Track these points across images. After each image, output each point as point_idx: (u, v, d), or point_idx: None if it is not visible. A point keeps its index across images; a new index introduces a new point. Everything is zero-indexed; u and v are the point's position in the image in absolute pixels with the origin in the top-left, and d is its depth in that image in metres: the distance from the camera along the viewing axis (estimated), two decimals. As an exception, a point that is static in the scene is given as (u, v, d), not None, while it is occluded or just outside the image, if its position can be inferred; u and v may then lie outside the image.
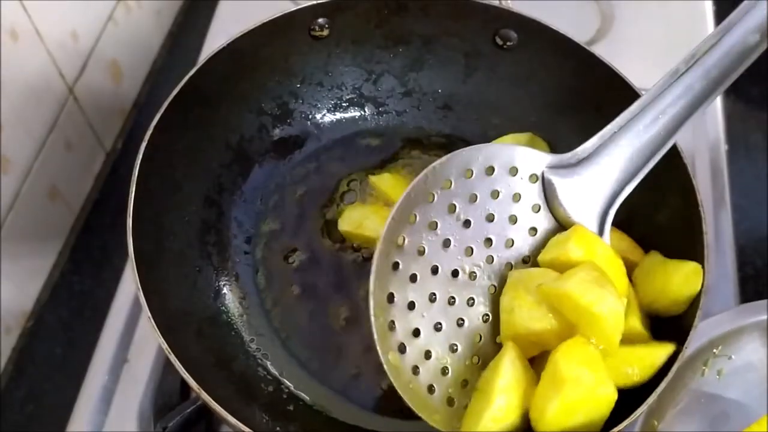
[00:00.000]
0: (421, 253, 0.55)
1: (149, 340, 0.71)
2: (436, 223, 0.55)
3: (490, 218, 0.56)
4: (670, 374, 0.51)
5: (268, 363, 0.63)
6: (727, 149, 0.87)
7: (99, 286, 0.78)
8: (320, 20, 0.68)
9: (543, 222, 0.58)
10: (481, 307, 0.56)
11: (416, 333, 0.54)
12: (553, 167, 0.57)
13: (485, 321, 0.56)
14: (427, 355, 0.54)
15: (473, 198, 0.56)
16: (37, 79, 0.73)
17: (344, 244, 0.68)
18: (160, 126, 0.60)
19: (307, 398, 0.62)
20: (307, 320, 0.65)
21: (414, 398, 0.52)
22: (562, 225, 0.58)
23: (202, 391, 0.51)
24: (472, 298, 0.56)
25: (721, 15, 0.97)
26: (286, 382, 0.63)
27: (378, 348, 0.51)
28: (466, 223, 0.56)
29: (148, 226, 0.59)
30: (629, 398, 0.52)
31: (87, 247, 0.81)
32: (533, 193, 0.57)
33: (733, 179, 0.84)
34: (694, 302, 0.55)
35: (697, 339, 0.63)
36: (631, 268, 0.58)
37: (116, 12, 0.87)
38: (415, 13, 0.69)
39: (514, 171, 0.56)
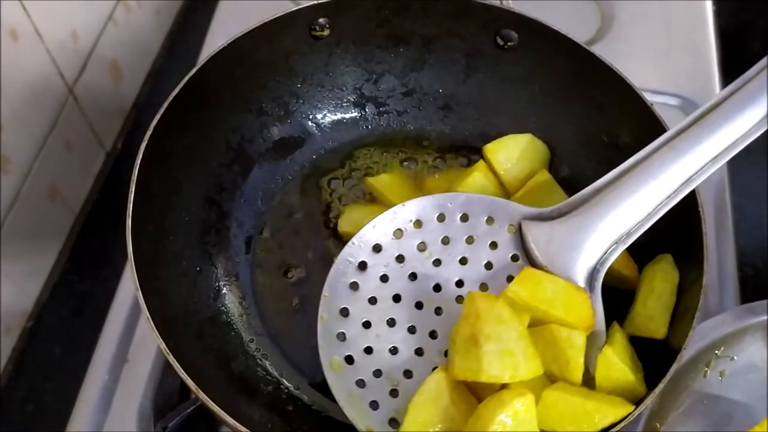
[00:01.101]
0: (384, 280, 0.57)
1: (149, 340, 0.71)
2: (403, 257, 0.57)
3: (463, 261, 0.57)
4: (668, 375, 0.51)
5: (268, 363, 0.63)
6: (727, 149, 0.86)
7: (99, 286, 0.78)
8: (321, 20, 0.68)
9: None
10: (444, 342, 0.56)
11: (368, 350, 0.56)
12: (532, 219, 0.56)
13: (446, 356, 0.56)
14: (377, 373, 0.55)
15: (446, 240, 0.57)
16: (37, 79, 0.73)
17: (344, 245, 0.68)
18: (160, 126, 0.60)
19: (306, 398, 0.62)
20: (308, 320, 0.65)
21: (351, 406, 0.54)
22: None
23: (200, 392, 0.50)
24: (435, 332, 0.57)
25: (721, 15, 0.97)
26: (286, 382, 0.62)
27: (319, 349, 0.55)
28: (437, 262, 0.57)
29: (148, 226, 0.59)
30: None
31: (87, 247, 0.81)
32: (510, 243, 0.57)
33: (733, 179, 0.84)
34: (693, 303, 0.55)
35: (698, 340, 0.63)
36: (624, 282, 0.58)
37: (116, 12, 0.87)
38: (416, 13, 0.69)
39: (490, 221, 0.57)
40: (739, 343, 0.65)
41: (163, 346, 0.52)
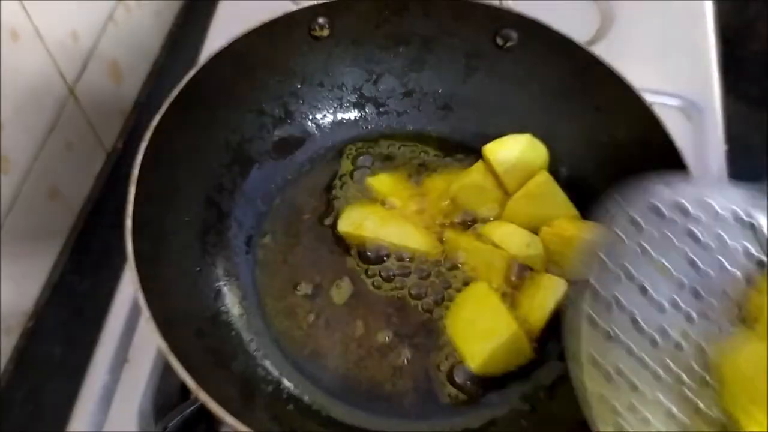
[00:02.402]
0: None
1: (149, 339, 0.71)
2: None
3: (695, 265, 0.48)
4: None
5: (268, 363, 0.63)
6: (727, 149, 0.87)
7: (99, 286, 0.78)
8: (320, 20, 0.68)
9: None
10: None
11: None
12: None
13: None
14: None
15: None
16: (37, 79, 0.73)
17: (345, 245, 0.68)
18: (160, 126, 0.60)
19: (307, 398, 0.62)
20: (308, 320, 0.65)
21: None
22: None
23: (201, 392, 0.51)
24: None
25: (721, 15, 0.97)
26: (286, 382, 0.63)
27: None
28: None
29: (148, 226, 0.59)
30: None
31: (87, 247, 0.81)
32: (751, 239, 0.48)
33: (733, 179, 0.84)
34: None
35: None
36: None
37: (116, 12, 0.87)
38: (416, 13, 0.69)
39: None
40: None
41: (164, 345, 0.52)
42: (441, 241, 0.68)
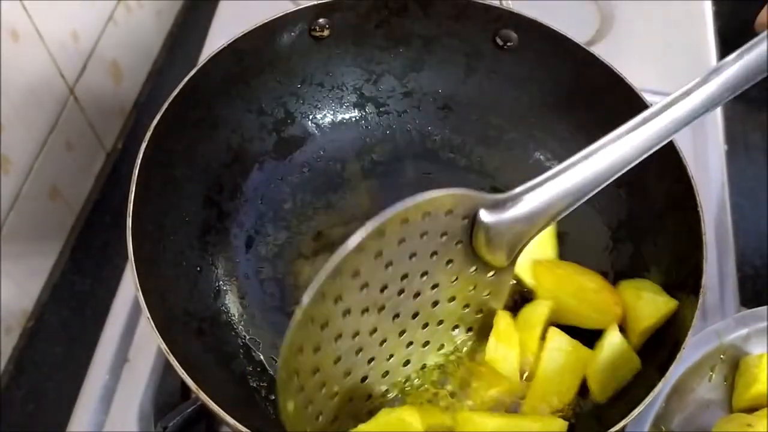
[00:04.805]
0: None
1: (149, 339, 0.71)
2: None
3: (412, 256, 0.53)
4: (668, 375, 0.51)
5: (268, 363, 0.63)
6: (726, 149, 0.87)
7: (99, 286, 0.78)
8: (321, 20, 0.68)
9: (459, 256, 0.55)
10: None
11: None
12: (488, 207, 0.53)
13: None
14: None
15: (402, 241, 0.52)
16: (37, 79, 0.73)
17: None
18: (160, 126, 0.60)
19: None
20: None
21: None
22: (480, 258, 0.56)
23: (201, 392, 0.51)
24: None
25: (721, 15, 0.97)
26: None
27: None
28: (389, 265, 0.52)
29: (148, 226, 0.59)
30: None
31: (87, 247, 0.81)
32: (459, 230, 0.53)
33: (733, 179, 0.84)
34: (692, 303, 0.55)
35: (703, 344, 0.63)
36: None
37: (116, 12, 0.87)
38: (416, 13, 0.69)
39: (449, 212, 0.52)
40: (744, 348, 0.64)
41: (164, 345, 0.52)
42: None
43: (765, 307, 0.64)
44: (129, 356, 0.71)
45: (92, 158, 0.86)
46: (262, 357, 0.63)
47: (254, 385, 0.62)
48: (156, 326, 0.53)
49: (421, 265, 0.53)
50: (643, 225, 0.64)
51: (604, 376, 0.57)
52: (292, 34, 0.68)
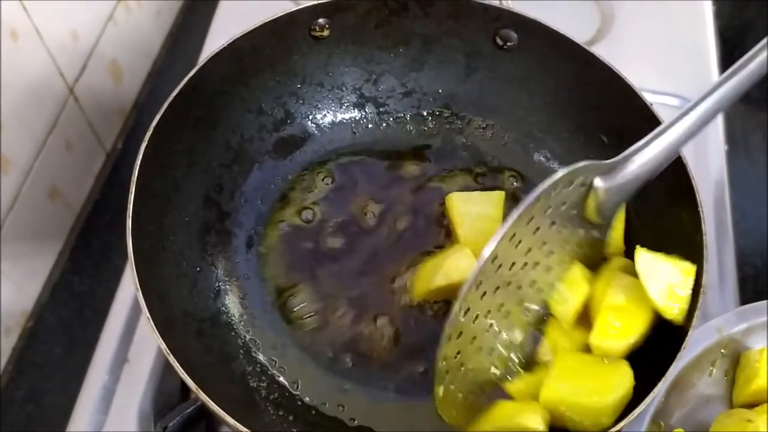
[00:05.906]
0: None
1: (149, 339, 0.71)
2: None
3: (536, 230, 0.56)
4: (670, 372, 0.52)
5: (268, 363, 0.63)
6: (727, 149, 0.87)
7: (99, 286, 0.78)
8: (320, 20, 0.68)
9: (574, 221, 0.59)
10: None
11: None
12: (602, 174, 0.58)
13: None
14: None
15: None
16: (37, 79, 0.73)
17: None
18: (160, 126, 0.60)
19: (307, 399, 0.62)
20: (308, 319, 0.65)
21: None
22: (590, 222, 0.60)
23: (201, 392, 0.51)
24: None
25: (721, 15, 0.97)
26: (285, 382, 0.62)
27: None
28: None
29: (148, 226, 0.59)
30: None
31: (87, 247, 0.81)
32: (576, 198, 0.57)
33: (733, 179, 0.84)
34: (693, 303, 0.55)
35: (703, 339, 0.63)
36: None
37: (116, 12, 0.87)
38: (416, 13, 0.69)
39: (570, 184, 0.56)
40: (744, 343, 0.64)
41: (164, 346, 0.52)
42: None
43: (765, 302, 0.64)
44: (129, 356, 0.71)
45: (92, 158, 0.86)
46: (262, 357, 0.63)
47: (254, 385, 0.62)
48: (156, 326, 0.53)
49: (542, 236, 0.56)
50: (643, 224, 0.64)
51: None
52: (292, 34, 0.68)
